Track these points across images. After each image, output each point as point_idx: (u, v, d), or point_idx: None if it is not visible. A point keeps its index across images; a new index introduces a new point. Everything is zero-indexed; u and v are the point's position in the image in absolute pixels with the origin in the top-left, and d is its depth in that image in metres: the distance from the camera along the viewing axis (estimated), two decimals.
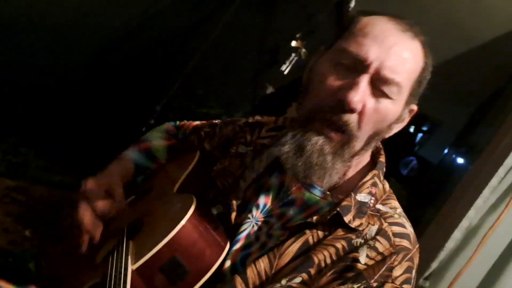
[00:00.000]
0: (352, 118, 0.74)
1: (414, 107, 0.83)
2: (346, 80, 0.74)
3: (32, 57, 2.27)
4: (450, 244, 1.62)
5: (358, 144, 0.77)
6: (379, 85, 0.74)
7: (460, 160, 3.77)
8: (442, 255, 1.62)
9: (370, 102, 0.74)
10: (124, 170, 1.04)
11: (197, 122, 1.17)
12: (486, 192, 1.62)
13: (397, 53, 0.74)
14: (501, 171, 1.62)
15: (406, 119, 0.84)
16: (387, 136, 0.82)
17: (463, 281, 1.52)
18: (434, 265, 1.62)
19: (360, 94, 0.72)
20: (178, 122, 1.20)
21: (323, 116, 0.75)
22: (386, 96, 0.75)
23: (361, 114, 0.74)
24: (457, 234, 1.62)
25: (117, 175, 1.00)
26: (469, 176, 1.86)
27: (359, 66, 0.74)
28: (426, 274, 1.63)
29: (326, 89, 0.76)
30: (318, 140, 0.75)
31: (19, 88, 2.29)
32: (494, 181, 1.62)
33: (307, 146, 0.75)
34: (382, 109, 0.75)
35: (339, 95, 0.73)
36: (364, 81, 0.73)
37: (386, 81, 0.74)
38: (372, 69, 0.73)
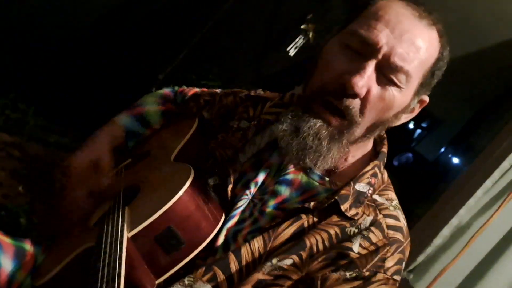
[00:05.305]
0: (354, 103, 0.72)
1: (425, 98, 0.81)
2: (352, 64, 0.72)
3: (37, 15, 2.23)
4: (438, 241, 1.64)
5: (359, 131, 0.76)
6: (386, 72, 0.71)
7: (455, 160, 3.77)
8: (429, 250, 1.64)
9: (375, 88, 0.72)
10: (113, 137, 1.03)
11: (197, 89, 1.15)
12: (479, 192, 1.63)
13: (410, 40, 0.71)
14: (496, 174, 1.63)
15: (416, 110, 0.82)
16: (393, 125, 0.80)
17: (446, 278, 1.54)
18: (420, 259, 1.64)
19: (365, 79, 0.70)
20: (176, 87, 1.18)
21: (325, 98, 0.74)
22: (393, 84, 0.72)
23: (364, 100, 0.72)
24: (446, 231, 1.64)
25: (105, 144, 0.99)
26: (464, 175, 1.87)
27: (367, 50, 0.71)
28: (411, 267, 1.65)
29: (331, 71, 0.74)
30: (315, 123, 0.74)
31: (22, 46, 2.26)
32: (488, 182, 1.63)
33: (303, 128, 0.74)
34: (387, 97, 0.73)
35: (343, 78, 0.71)
36: (371, 66, 0.71)
37: (394, 68, 0.71)
38: (381, 55, 0.70)
